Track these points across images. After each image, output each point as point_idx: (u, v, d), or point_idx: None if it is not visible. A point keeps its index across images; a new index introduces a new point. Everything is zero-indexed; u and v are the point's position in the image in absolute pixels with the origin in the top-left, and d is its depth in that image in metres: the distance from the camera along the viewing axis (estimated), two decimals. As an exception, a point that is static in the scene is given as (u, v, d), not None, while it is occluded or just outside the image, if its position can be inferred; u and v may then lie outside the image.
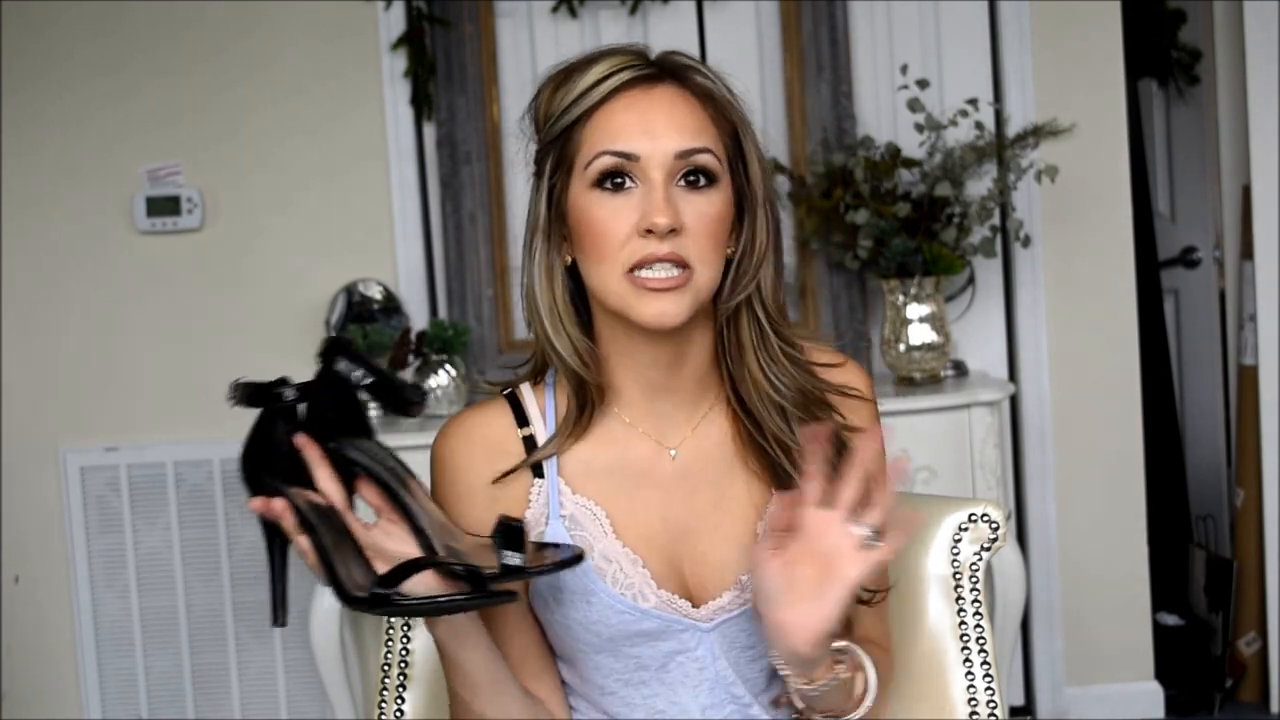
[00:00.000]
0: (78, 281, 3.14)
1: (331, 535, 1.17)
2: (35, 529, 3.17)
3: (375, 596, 1.15)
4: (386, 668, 1.53)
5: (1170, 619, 3.49)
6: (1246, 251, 3.35)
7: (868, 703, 1.29)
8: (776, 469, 1.30)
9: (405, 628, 1.53)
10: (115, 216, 3.13)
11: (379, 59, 3.11)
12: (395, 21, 3.09)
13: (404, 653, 1.53)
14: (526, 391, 1.35)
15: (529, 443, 1.32)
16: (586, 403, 1.30)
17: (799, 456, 1.27)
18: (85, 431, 3.16)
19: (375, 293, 3.10)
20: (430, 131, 3.12)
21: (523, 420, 1.33)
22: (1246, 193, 3.30)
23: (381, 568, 1.18)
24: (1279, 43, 3.13)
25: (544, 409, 1.34)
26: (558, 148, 1.27)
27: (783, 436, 1.29)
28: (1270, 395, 3.22)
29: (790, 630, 1.18)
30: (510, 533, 1.17)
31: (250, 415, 1.21)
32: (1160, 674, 3.25)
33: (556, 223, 1.29)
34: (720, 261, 1.26)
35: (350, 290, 3.09)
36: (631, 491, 1.31)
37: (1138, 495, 3.20)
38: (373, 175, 3.14)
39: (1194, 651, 3.40)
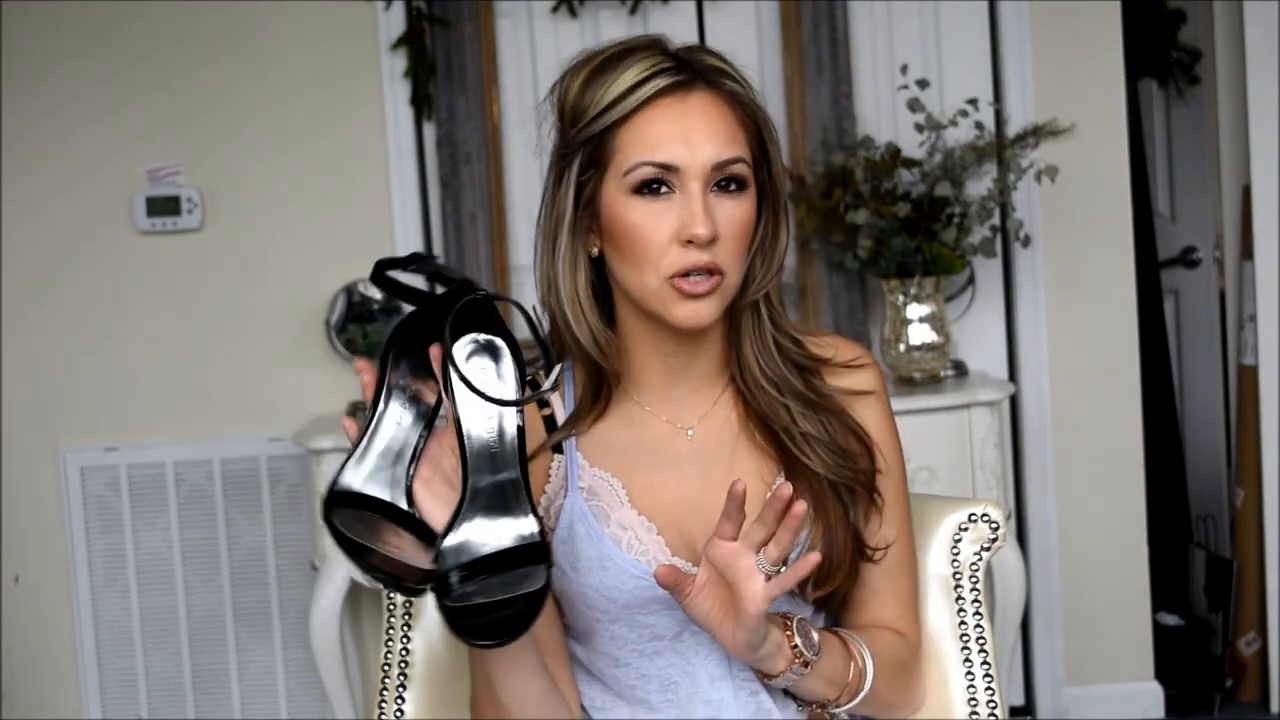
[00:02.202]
0: (78, 282, 3.14)
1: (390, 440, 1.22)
2: (35, 529, 3.17)
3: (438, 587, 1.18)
4: (386, 668, 1.53)
5: (1170, 619, 3.49)
6: (1246, 251, 3.34)
7: (863, 692, 1.33)
8: (782, 446, 1.35)
9: (405, 628, 1.53)
10: (115, 216, 3.13)
11: (379, 59, 3.11)
12: (395, 21, 3.09)
13: (404, 653, 1.53)
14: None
15: (549, 422, 1.37)
16: (601, 387, 1.35)
17: (801, 439, 1.34)
18: (85, 431, 3.15)
19: (375, 293, 3.10)
20: (430, 131, 3.12)
21: (542, 402, 1.36)
22: (1246, 193, 3.30)
23: (427, 500, 1.21)
24: (1279, 42, 3.13)
25: (563, 391, 1.38)
26: (589, 148, 1.30)
27: (781, 417, 1.34)
28: (1270, 395, 3.21)
29: (724, 641, 1.25)
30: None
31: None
32: (1160, 674, 3.25)
33: (584, 217, 1.32)
34: (747, 261, 1.31)
35: (350, 290, 3.09)
36: (648, 468, 1.35)
37: (1138, 495, 3.20)
38: (373, 175, 3.13)
39: (1194, 651, 3.40)
